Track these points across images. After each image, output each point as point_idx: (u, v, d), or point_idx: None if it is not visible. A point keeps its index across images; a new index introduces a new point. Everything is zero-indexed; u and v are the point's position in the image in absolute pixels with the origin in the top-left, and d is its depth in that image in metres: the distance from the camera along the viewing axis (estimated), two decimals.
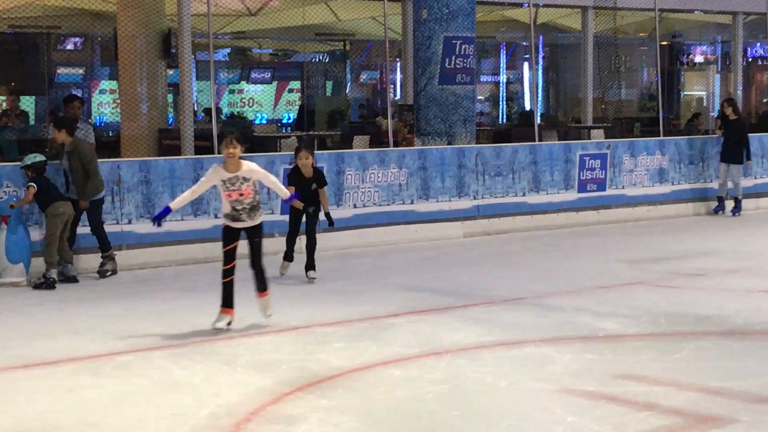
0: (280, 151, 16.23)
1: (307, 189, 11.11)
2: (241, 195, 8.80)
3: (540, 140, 17.27)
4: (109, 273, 11.96)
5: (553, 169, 16.37)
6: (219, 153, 14.05)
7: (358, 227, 14.27)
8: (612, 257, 13.10)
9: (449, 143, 15.49)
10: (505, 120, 27.83)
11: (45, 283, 11.19)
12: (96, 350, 8.25)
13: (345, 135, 18.88)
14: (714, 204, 17.83)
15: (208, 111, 21.00)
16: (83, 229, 12.07)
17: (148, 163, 13.11)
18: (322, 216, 11.41)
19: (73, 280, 11.52)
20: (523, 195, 16.08)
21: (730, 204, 17.79)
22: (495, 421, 6.28)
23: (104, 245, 12.01)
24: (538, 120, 18.41)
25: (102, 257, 12.00)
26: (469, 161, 15.47)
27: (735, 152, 17.57)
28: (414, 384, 7.19)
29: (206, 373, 7.57)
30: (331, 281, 11.41)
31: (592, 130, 19.78)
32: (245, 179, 8.77)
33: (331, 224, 11.14)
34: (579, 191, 16.71)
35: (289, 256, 11.61)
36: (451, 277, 11.81)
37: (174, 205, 9.13)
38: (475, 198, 15.58)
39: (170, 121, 20.26)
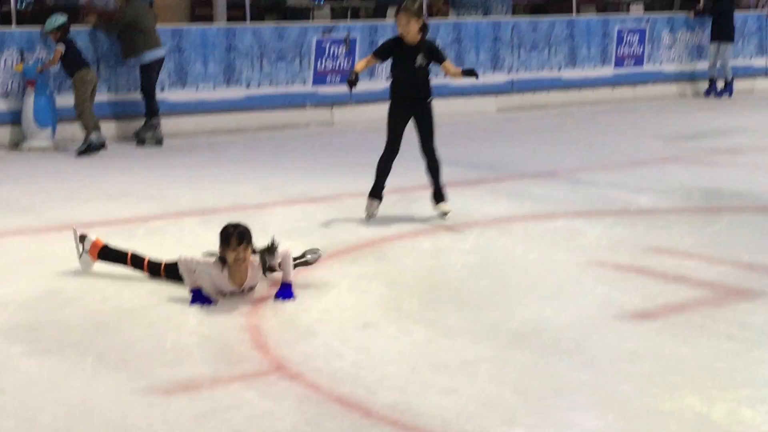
0: (312, 20, 16.02)
1: (410, 66, 8.08)
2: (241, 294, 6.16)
3: (577, 14, 16.96)
4: (149, 142, 11.98)
5: (590, 44, 16.13)
6: (252, 19, 13.97)
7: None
8: (647, 133, 12.98)
9: (485, 15, 15.24)
10: None
11: (89, 147, 11.22)
12: (129, 214, 8.32)
13: (379, 5, 18.59)
14: (705, 86, 17.40)
15: None
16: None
17: (181, 31, 13.02)
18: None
19: (101, 146, 11.57)
20: (559, 70, 15.88)
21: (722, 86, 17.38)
22: (524, 292, 6.30)
23: (149, 111, 12.04)
24: None
25: (145, 123, 12.07)
26: (505, 34, 15.24)
27: (724, 31, 17.07)
28: (443, 254, 7.21)
29: None
30: (362, 153, 11.37)
31: (631, 5, 19.38)
32: (252, 287, 6.20)
33: (473, 74, 8.32)
34: (616, 66, 16.48)
35: (377, 191, 8.27)
36: (483, 151, 11.76)
37: None
38: (509, 72, 15.40)
39: None
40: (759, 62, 17.99)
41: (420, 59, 8.05)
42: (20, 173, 10.17)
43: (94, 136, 11.28)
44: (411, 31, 8.01)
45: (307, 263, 6.47)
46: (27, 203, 8.72)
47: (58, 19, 11.56)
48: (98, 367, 4.88)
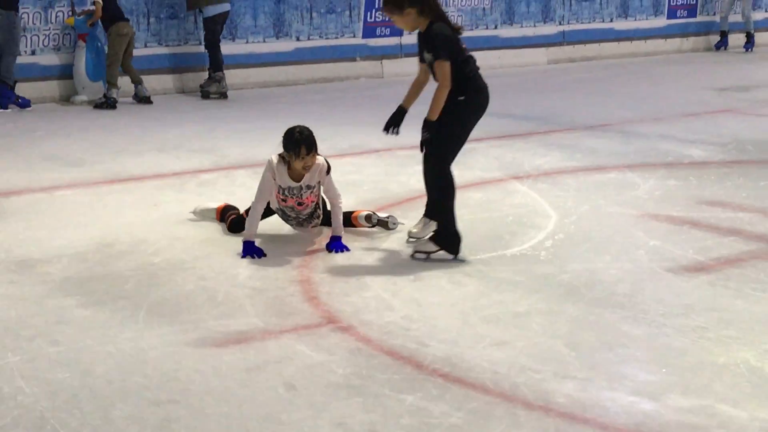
0: None
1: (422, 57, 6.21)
2: (299, 204, 6.28)
3: None
4: (214, 95, 12.01)
5: None
6: None
7: None
8: (700, 85, 12.80)
9: None
10: None
11: (106, 103, 11.27)
12: (180, 167, 8.36)
13: None
14: (716, 39, 17.03)
15: None
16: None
17: None
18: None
19: (146, 101, 11.59)
20: (611, 21, 15.68)
21: (736, 39, 16.92)
22: (575, 244, 6.25)
23: (213, 65, 12.05)
24: None
25: (209, 77, 12.09)
26: None
27: None
28: (494, 206, 7.17)
29: None
30: (413, 106, 11.28)
31: None
32: (309, 186, 6.22)
33: (426, 141, 6.39)
34: (668, 18, 16.22)
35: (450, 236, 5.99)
36: (534, 103, 11.65)
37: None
38: (560, 24, 15.22)
39: None
40: None
41: (425, 55, 6.14)
42: (71, 127, 10.24)
43: (114, 93, 11.29)
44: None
45: (386, 227, 6.49)
46: (79, 156, 8.78)
47: None
48: (151, 319, 4.92)
